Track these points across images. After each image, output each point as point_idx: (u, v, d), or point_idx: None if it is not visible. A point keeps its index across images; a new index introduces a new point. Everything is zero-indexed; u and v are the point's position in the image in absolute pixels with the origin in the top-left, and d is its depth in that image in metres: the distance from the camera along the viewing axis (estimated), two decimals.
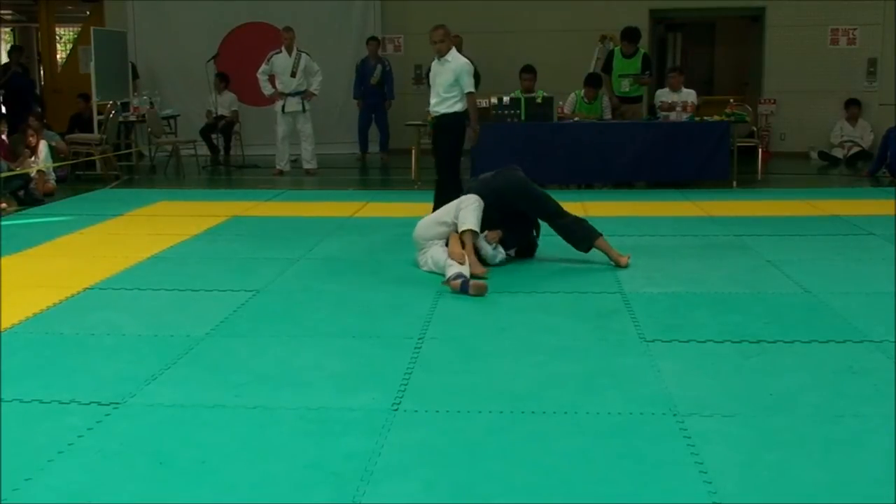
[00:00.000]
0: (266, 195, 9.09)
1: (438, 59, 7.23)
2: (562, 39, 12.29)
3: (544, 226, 6.08)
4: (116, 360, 3.97)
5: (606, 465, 2.88)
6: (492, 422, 3.25)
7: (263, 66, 10.88)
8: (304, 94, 10.88)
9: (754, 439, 3.08)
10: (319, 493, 2.71)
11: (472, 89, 7.30)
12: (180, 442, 3.09)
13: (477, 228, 5.45)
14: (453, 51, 7.26)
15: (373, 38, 12.28)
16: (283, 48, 10.88)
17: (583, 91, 9.99)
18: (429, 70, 11.68)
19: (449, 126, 7.25)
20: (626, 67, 10.21)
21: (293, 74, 10.81)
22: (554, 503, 2.66)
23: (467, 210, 5.50)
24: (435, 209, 6.86)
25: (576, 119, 9.74)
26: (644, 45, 11.08)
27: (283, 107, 10.86)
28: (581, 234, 5.77)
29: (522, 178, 5.83)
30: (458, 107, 7.20)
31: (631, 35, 10.21)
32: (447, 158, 7.36)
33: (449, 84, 7.17)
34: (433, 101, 7.28)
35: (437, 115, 7.26)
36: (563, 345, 4.13)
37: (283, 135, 10.97)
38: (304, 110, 10.89)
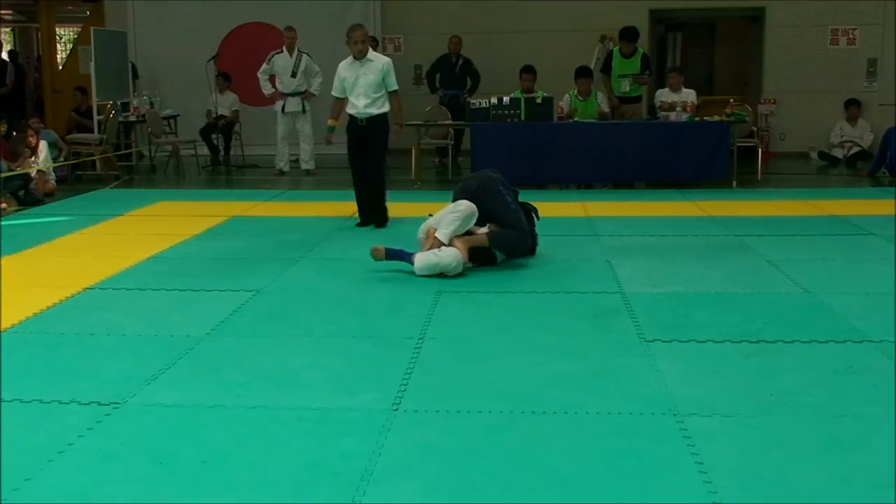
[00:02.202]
0: (266, 195, 9.09)
1: (357, 60, 7.09)
2: (562, 39, 12.29)
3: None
4: (116, 360, 3.97)
5: (606, 465, 2.88)
6: (492, 422, 3.25)
7: (264, 66, 10.88)
8: (303, 95, 10.87)
9: (754, 439, 3.08)
10: (319, 494, 2.71)
11: (397, 87, 7.27)
12: (180, 442, 3.09)
13: (446, 241, 5.42)
14: (371, 50, 7.21)
15: (370, 39, 12.26)
16: (283, 48, 10.88)
17: (576, 89, 9.97)
18: (430, 70, 11.80)
19: (382, 127, 7.14)
20: (625, 67, 10.21)
21: (293, 75, 10.81)
22: (554, 503, 2.66)
23: (450, 217, 5.48)
24: (365, 210, 7.18)
25: (575, 119, 9.74)
26: (644, 45, 11.09)
27: (283, 107, 10.86)
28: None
29: (487, 176, 5.87)
30: (386, 107, 7.16)
31: (629, 34, 10.20)
32: (383, 160, 7.30)
33: (377, 84, 7.06)
34: (361, 102, 7.06)
35: (368, 116, 7.06)
36: (563, 345, 4.13)
37: (283, 135, 10.97)
38: (304, 111, 10.89)
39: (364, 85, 7.05)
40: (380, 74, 7.05)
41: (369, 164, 7.14)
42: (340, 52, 12.70)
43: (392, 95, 7.19)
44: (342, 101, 7.22)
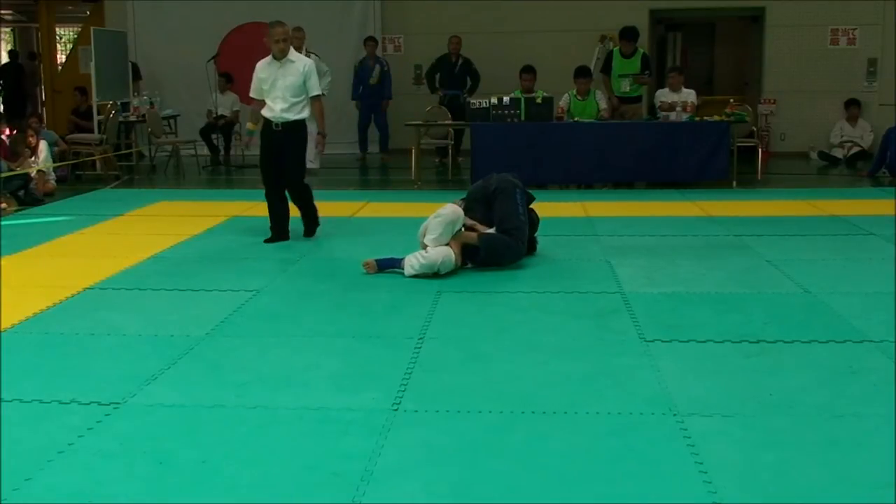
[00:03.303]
0: None
1: (276, 60, 6.52)
2: (562, 39, 12.29)
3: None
4: (116, 360, 3.97)
5: (606, 465, 2.88)
6: (492, 422, 3.25)
7: None
8: None
9: (754, 439, 3.08)
10: (320, 494, 2.71)
11: (321, 91, 6.80)
12: (180, 442, 3.09)
13: (433, 246, 5.41)
14: (293, 50, 6.71)
15: (371, 39, 12.27)
16: (292, 49, 10.84)
17: (575, 88, 9.96)
18: (430, 70, 11.80)
19: (298, 133, 6.62)
20: (625, 67, 10.20)
21: None
22: (554, 503, 2.66)
23: (434, 223, 5.46)
24: (277, 223, 6.60)
25: (576, 119, 9.73)
26: (644, 45, 11.09)
27: None
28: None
29: (507, 180, 5.82)
30: (306, 112, 6.60)
31: (629, 34, 10.19)
32: (301, 168, 6.74)
33: (297, 87, 6.50)
34: (278, 106, 6.47)
35: (284, 121, 6.50)
36: (563, 345, 4.13)
37: None
38: None
39: (282, 87, 6.48)
40: (300, 77, 6.50)
41: (288, 173, 6.60)
42: (341, 52, 12.82)
43: (314, 101, 6.65)
44: (262, 103, 6.63)
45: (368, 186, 10.83)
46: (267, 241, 6.56)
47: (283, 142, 6.56)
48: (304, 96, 6.57)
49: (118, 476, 2.84)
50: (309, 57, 10.75)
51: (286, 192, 6.67)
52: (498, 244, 5.58)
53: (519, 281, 5.37)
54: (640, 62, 10.19)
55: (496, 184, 5.75)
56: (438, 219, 5.47)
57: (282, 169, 6.60)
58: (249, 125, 6.94)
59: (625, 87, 10.21)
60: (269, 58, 6.60)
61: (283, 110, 6.50)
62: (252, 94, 6.72)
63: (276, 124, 6.53)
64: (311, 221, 6.80)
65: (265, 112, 6.58)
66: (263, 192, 6.72)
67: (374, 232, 6.98)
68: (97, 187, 9.98)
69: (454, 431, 3.16)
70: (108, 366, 3.90)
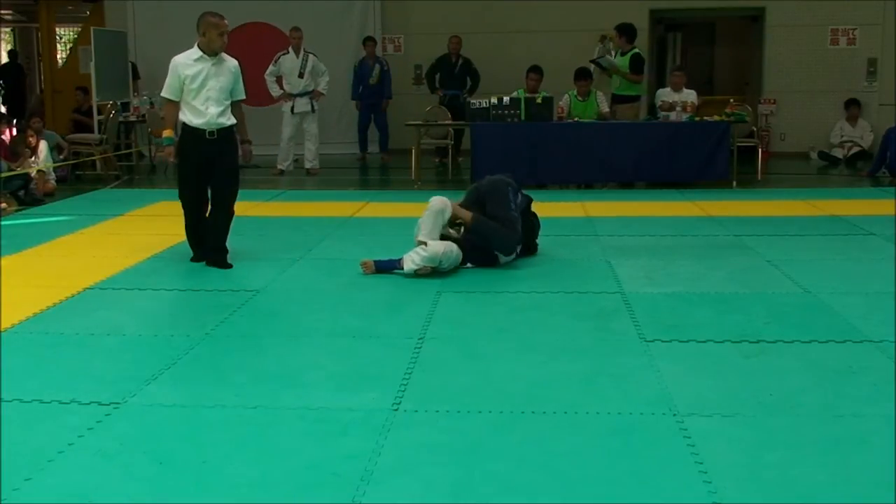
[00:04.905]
0: (266, 195, 9.09)
1: (207, 56, 5.72)
2: (562, 39, 12.29)
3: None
4: (116, 360, 3.98)
5: (606, 465, 2.88)
6: (492, 422, 3.25)
7: (271, 68, 10.86)
8: (312, 94, 10.84)
9: (754, 439, 3.08)
10: (320, 494, 2.71)
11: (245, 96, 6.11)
12: (180, 442, 3.09)
13: (426, 240, 5.43)
14: None
15: (370, 39, 12.28)
16: (290, 49, 10.85)
17: (575, 90, 9.94)
18: (430, 70, 11.80)
19: (234, 141, 5.95)
20: (620, 63, 10.14)
21: (301, 75, 10.79)
22: (554, 503, 2.66)
23: (423, 218, 5.53)
24: (199, 244, 5.93)
25: (576, 119, 9.73)
26: (644, 45, 11.05)
27: (293, 108, 10.81)
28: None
29: (500, 179, 5.85)
30: (233, 117, 5.92)
31: (623, 30, 10.12)
32: (238, 183, 6.02)
33: (228, 89, 5.82)
34: (213, 110, 5.70)
35: (220, 128, 5.76)
36: (563, 345, 4.13)
37: (290, 135, 10.94)
38: (313, 110, 10.86)
39: (216, 89, 5.74)
40: (232, 78, 5.84)
41: (229, 188, 5.90)
42: (341, 52, 12.82)
43: (237, 105, 5.95)
44: (178, 106, 5.80)
45: (368, 186, 10.82)
46: (194, 259, 5.92)
47: (219, 152, 5.80)
48: (230, 100, 5.88)
49: (118, 476, 2.84)
50: (307, 56, 10.83)
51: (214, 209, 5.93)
52: (489, 228, 5.58)
53: (519, 281, 5.37)
54: (629, 60, 10.05)
55: (486, 184, 5.80)
56: (427, 211, 5.53)
57: (217, 183, 5.87)
58: (167, 133, 5.99)
59: (615, 82, 10.16)
60: (193, 52, 5.76)
61: (218, 115, 5.74)
62: (168, 95, 5.82)
63: (211, 132, 5.74)
64: (223, 248, 5.89)
65: (191, 118, 5.74)
66: (185, 211, 5.93)
67: (374, 232, 6.98)
68: (97, 187, 9.98)
69: (454, 431, 3.16)
70: (108, 366, 3.90)
